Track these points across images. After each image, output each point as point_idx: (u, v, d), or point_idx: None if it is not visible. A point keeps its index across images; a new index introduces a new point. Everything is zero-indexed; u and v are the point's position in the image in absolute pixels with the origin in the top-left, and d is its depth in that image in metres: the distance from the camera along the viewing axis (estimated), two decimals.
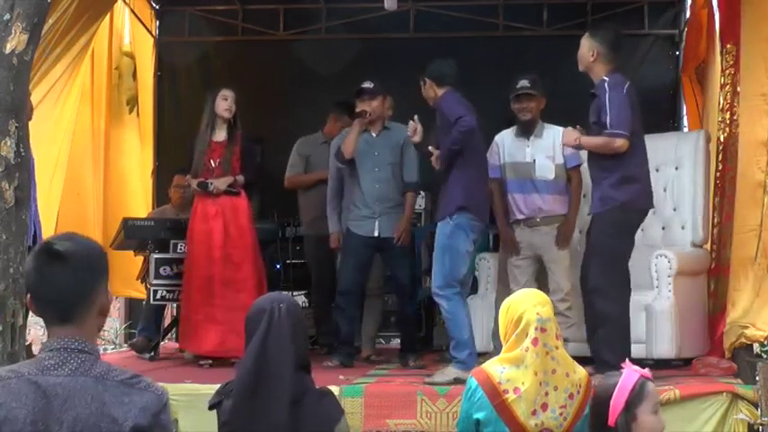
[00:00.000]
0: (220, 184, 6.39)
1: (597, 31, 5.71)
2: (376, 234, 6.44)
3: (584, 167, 6.03)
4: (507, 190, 6.15)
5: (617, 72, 5.55)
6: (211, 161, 6.43)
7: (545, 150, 6.06)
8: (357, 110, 6.49)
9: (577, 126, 5.62)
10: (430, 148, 5.86)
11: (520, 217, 6.12)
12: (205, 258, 6.33)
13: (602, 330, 5.36)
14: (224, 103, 6.45)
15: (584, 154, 5.93)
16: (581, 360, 5.58)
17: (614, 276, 5.40)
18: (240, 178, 6.46)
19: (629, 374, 3.24)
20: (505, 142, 6.20)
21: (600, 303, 5.37)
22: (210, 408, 3.33)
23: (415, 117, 5.92)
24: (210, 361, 6.29)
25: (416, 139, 5.96)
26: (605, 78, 5.47)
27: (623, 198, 5.40)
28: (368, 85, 6.48)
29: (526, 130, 6.14)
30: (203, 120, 6.51)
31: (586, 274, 5.51)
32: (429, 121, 6.10)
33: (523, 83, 6.09)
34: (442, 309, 5.78)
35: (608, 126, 5.36)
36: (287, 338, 3.21)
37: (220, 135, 6.48)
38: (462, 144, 5.65)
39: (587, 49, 5.57)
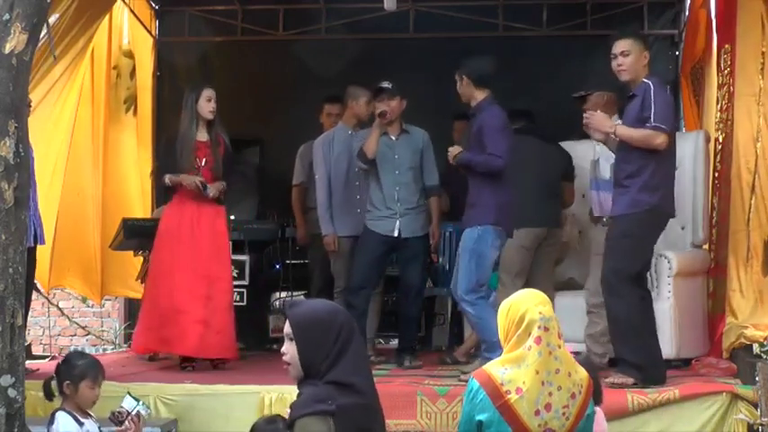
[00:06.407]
0: (214, 190, 6.30)
1: (636, 32, 5.54)
2: (396, 234, 6.38)
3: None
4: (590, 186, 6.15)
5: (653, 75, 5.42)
6: (197, 159, 6.32)
7: (605, 149, 5.89)
8: (377, 111, 6.38)
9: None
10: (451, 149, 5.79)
11: (596, 214, 6.09)
12: (178, 258, 6.22)
13: (616, 329, 5.32)
14: (208, 104, 6.32)
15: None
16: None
17: (629, 277, 5.26)
18: (223, 184, 6.38)
19: None
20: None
21: (612, 302, 5.29)
22: None
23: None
24: (194, 363, 6.21)
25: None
26: (649, 80, 5.30)
27: (655, 202, 5.26)
28: (387, 84, 6.35)
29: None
30: (185, 117, 6.36)
31: (606, 273, 5.34)
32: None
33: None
34: (467, 314, 5.71)
35: (651, 121, 5.19)
36: None
37: (203, 135, 6.36)
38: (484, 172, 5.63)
39: (639, 52, 5.34)
